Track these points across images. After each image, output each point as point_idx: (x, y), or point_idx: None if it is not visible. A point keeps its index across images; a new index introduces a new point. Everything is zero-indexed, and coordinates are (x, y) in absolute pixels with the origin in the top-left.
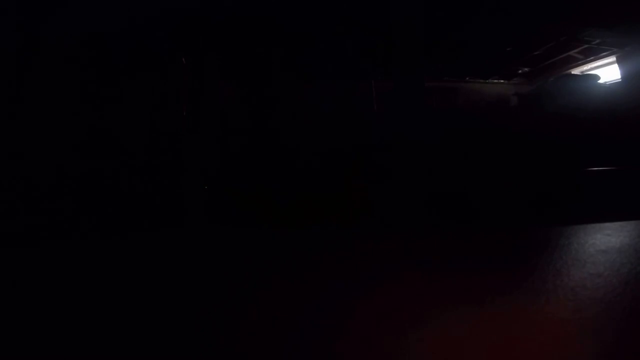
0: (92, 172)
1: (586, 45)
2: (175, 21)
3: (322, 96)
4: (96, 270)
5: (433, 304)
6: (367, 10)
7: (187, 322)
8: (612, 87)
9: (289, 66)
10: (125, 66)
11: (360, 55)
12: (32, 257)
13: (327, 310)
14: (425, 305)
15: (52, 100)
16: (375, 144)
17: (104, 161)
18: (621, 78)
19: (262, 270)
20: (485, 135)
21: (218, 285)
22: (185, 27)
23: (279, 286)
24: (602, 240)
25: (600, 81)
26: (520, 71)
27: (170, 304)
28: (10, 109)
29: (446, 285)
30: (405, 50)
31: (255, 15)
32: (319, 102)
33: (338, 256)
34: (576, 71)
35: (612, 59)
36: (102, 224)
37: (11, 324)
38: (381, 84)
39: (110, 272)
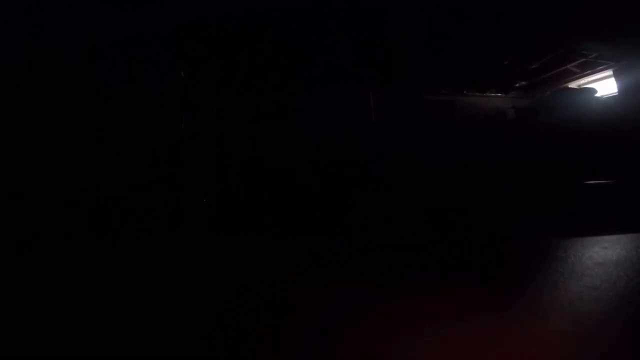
0: (90, 182)
1: (583, 59)
2: (172, 30)
3: (321, 105)
4: (94, 279)
5: (427, 316)
6: (366, 19)
7: (185, 328)
8: (609, 101)
9: (287, 74)
10: (123, 76)
11: (360, 64)
12: (31, 264)
13: (323, 319)
14: (418, 317)
15: (50, 111)
16: (373, 153)
17: (102, 171)
18: (618, 92)
19: (259, 281)
20: (483, 147)
21: (215, 295)
22: (183, 36)
23: (276, 296)
24: (600, 253)
25: (597, 95)
26: (517, 85)
27: (168, 312)
28: (10, 117)
29: (440, 297)
30: (405, 58)
31: (255, 23)
32: (318, 110)
33: (336, 267)
34: (573, 85)
35: (609, 72)
36: (100, 234)
37: (15, 325)
38: (379, 95)
39: (107, 281)
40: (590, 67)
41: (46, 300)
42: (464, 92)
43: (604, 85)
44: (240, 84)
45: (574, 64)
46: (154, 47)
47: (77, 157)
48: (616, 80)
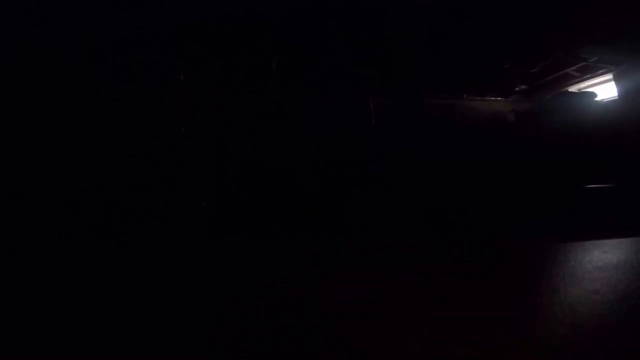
0: (90, 182)
1: (583, 63)
2: (172, 30)
3: (321, 105)
4: (94, 279)
5: (426, 316)
6: (367, 21)
7: (186, 328)
8: (608, 105)
9: (288, 76)
10: (123, 76)
11: (360, 64)
12: (31, 264)
13: (323, 319)
14: (418, 316)
15: (50, 111)
16: (373, 153)
17: (102, 171)
18: (618, 96)
19: (259, 281)
20: (483, 150)
21: (215, 295)
22: (183, 36)
23: (276, 296)
24: (600, 257)
25: (597, 99)
26: (517, 88)
27: (168, 313)
28: (10, 117)
29: (440, 297)
30: (405, 58)
31: (255, 23)
32: (318, 111)
33: (336, 267)
34: (573, 89)
35: (609, 76)
36: (100, 234)
37: (15, 325)
38: (379, 95)
39: (107, 281)
40: (590, 71)
41: (46, 301)
42: (464, 95)
43: (604, 89)
44: (240, 84)
45: (573, 67)
46: (154, 48)
47: (77, 157)
48: (616, 84)
